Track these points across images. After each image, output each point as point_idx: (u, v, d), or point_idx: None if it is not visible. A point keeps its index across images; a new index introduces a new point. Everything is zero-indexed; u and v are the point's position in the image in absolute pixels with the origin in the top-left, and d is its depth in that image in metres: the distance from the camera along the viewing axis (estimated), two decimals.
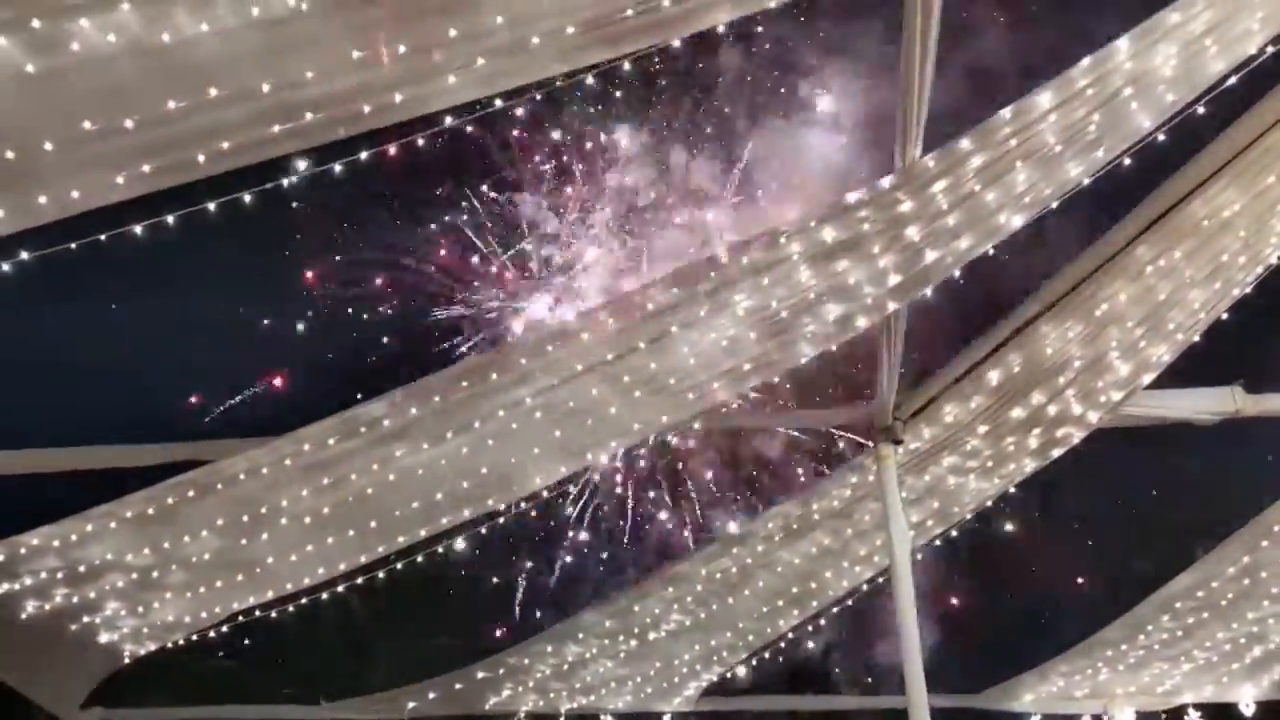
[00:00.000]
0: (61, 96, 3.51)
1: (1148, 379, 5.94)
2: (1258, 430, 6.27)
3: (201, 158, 3.79)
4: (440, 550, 6.71)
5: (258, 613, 6.75)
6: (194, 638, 7.01)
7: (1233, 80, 4.53)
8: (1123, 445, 6.65)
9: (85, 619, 6.51)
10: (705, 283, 4.98)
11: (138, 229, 4.30)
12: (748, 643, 7.94)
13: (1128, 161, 4.77)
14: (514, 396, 5.37)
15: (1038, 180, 4.68)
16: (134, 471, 5.87)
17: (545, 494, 6.36)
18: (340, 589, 6.73)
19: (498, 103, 4.21)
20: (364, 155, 4.33)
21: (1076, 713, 8.53)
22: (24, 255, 4.19)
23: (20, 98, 3.46)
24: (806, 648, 8.23)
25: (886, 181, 4.56)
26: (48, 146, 3.61)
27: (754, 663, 8.22)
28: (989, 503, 6.85)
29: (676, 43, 3.99)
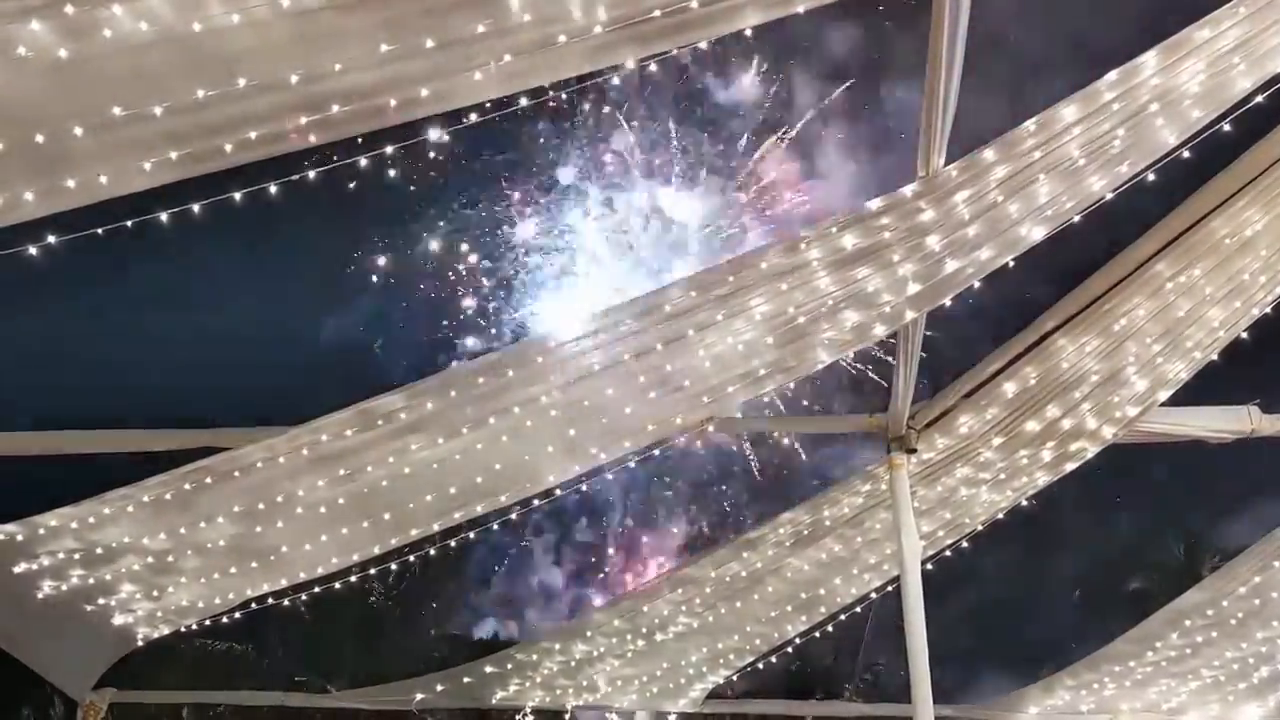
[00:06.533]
0: (92, 82, 3.55)
1: (1164, 396, 5.92)
2: (1272, 449, 6.24)
3: (228, 147, 3.82)
4: (453, 544, 6.75)
5: (270, 600, 6.80)
6: (207, 623, 7.07)
7: (1259, 98, 4.51)
8: (1136, 461, 6.62)
9: (100, 601, 6.58)
10: (723, 286, 4.99)
11: (163, 216, 4.33)
12: (755, 647, 7.95)
13: (1151, 177, 4.75)
14: (530, 393, 5.39)
15: (1060, 193, 4.67)
16: (152, 456, 5.93)
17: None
18: (353, 579, 6.77)
19: (522, 101, 4.21)
20: (390, 150, 4.35)
21: None
22: (51, 239, 4.22)
23: (52, 82, 3.50)
24: (813, 654, 8.23)
25: (909, 190, 4.56)
26: (77, 131, 3.65)
27: (760, 667, 8.23)
28: (1000, 515, 6.84)
29: (703, 45, 4.00)
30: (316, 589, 6.79)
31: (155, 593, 6.55)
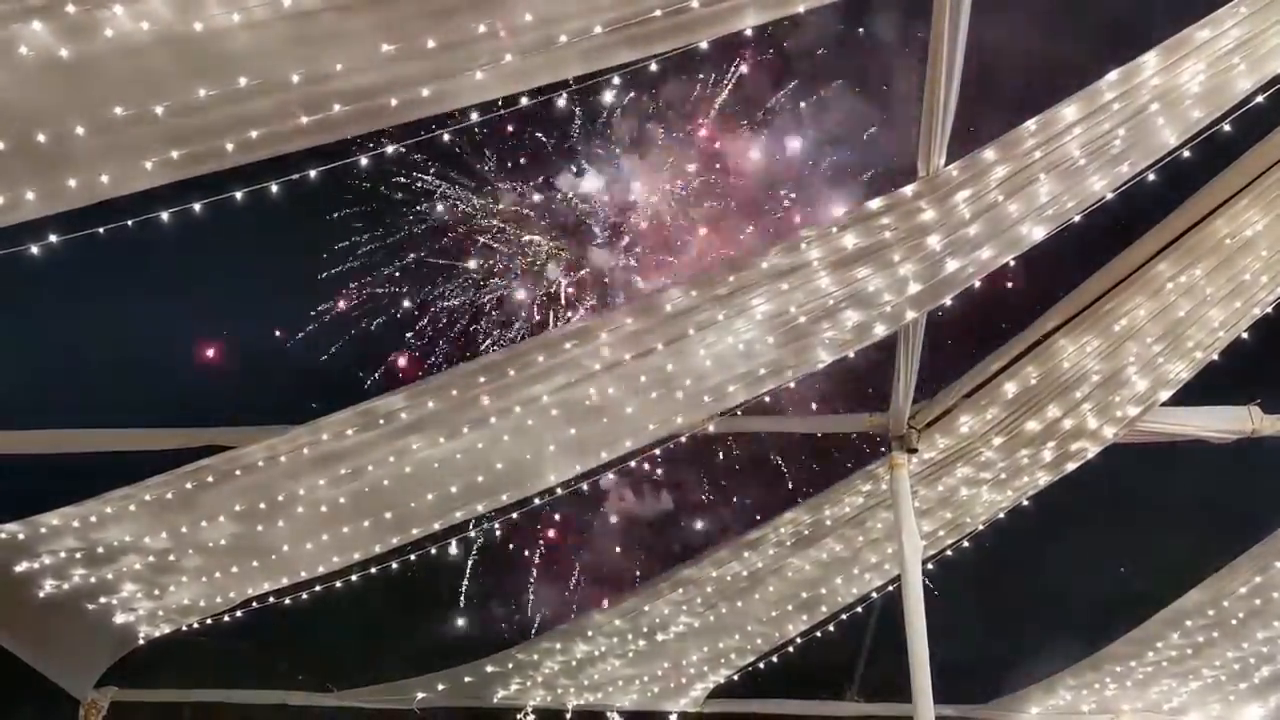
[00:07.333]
0: (93, 82, 3.56)
1: (1165, 396, 5.92)
2: (1273, 449, 6.24)
3: (230, 146, 3.83)
4: (453, 543, 6.75)
5: (271, 599, 6.81)
6: (208, 621, 7.08)
7: (1260, 99, 4.51)
8: (1136, 460, 6.62)
9: (102, 600, 6.59)
10: (724, 286, 4.99)
11: (164, 215, 4.34)
12: (756, 646, 7.95)
13: (1152, 177, 4.76)
14: (531, 393, 5.40)
15: (1060, 193, 4.67)
16: (154, 455, 5.94)
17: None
18: (354, 578, 6.78)
19: (523, 100, 4.22)
20: (390, 149, 4.35)
21: None
22: (53, 239, 4.23)
23: (53, 82, 3.52)
24: (814, 653, 8.23)
25: (909, 189, 4.57)
26: (79, 131, 3.66)
27: (761, 666, 8.23)
28: (1001, 514, 6.84)
29: (704, 45, 4.00)
30: (318, 588, 6.79)
31: (157, 591, 6.57)
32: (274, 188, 4.42)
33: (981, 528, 6.94)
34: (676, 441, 6.30)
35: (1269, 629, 7.05)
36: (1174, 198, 5.08)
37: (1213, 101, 4.43)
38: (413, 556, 6.77)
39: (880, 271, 4.96)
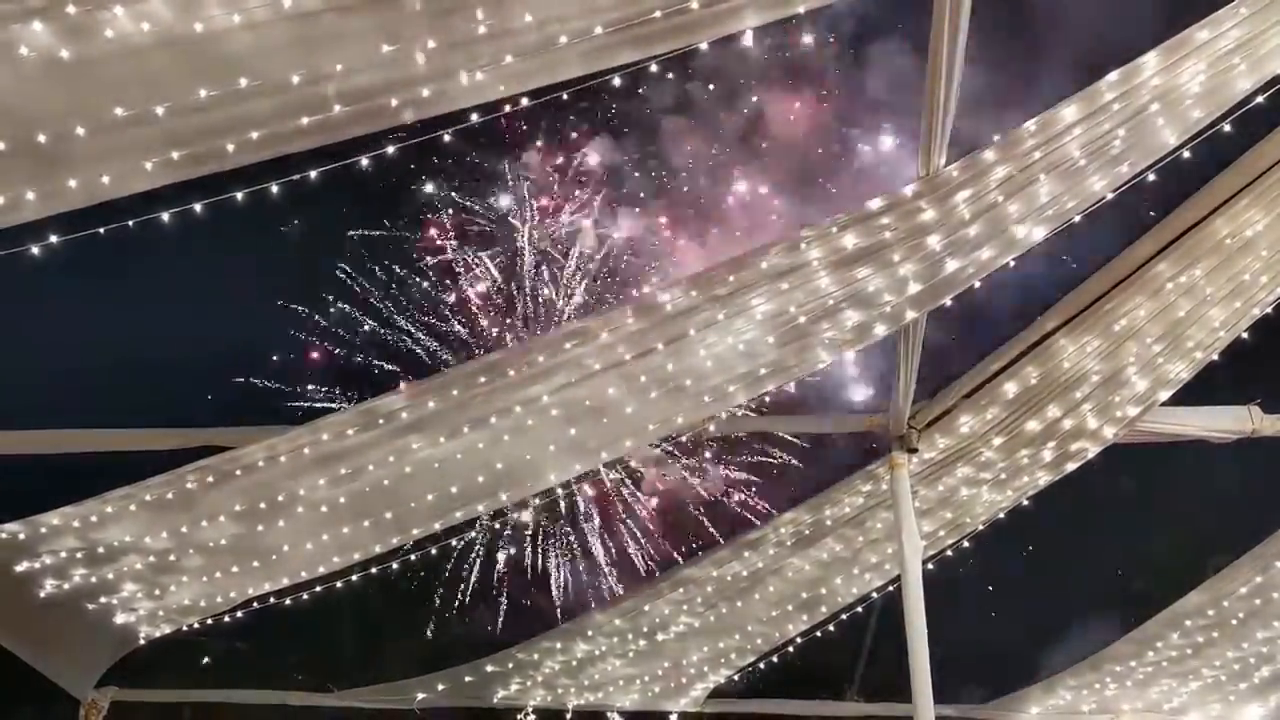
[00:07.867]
0: (94, 83, 3.55)
1: (1165, 396, 5.93)
2: (1273, 449, 6.24)
3: (231, 147, 3.83)
4: (454, 543, 6.77)
5: (272, 599, 6.81)
6: (209, 622, 7.08)
7: (1260, 99, 4.52)
8: (1136, 460, 6.63)
9: (102, 600, 6.59)
10: (724, 286, 4.99)
11: (165, 216, 4.34)
12: (756, 646, 7.95)
13: (1152, 177, 4.76)
14: (531, 393, 5.39)
15: (1061, 193, 4.67)
16: (154, 455, 5.94)
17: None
18: (354, 578, 6.78)
19: (524, 101, 4.21)
20: (392, 150, 4.36)
21: None
22: (53, 239, 4.23)
23: (53, 83, 3.51)
24: (814, 653, 8.25)
25: (909, 189, 4.57)
26: (79, 132, 3.65)
27: (761, 666, 8.23)
28: (1001, 515, 6.84)
29: (704, 46, 4.00)
30: (318, 588, 6.80)
31: (157, 591, 6.57)
32: (274, 188, 4.43)
33: (982, 528, 6.95)
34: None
35: (1269, 629, 7.05)
36: (1174, 197, 5.08)
37: (1213, 101, 4.43)
38: (413, 556, 6.78)
39: (880, 271, 4.96)
